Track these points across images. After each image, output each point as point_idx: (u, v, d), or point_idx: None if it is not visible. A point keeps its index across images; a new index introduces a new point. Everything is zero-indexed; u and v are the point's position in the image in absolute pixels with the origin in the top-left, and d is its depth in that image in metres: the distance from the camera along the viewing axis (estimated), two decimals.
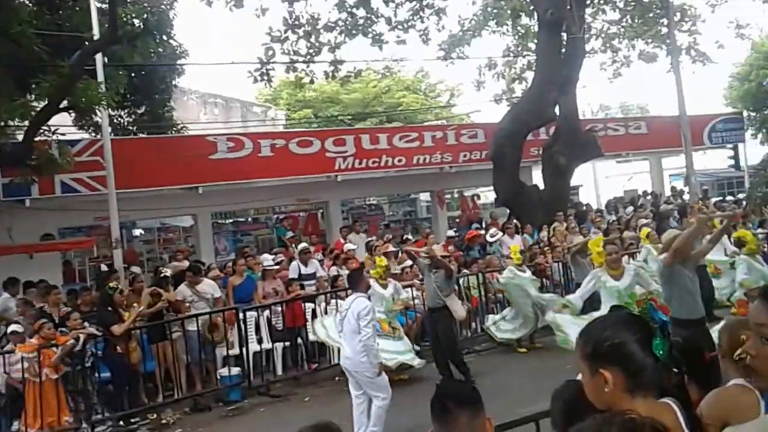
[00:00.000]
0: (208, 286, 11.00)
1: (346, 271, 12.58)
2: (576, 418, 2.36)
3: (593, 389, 2.05)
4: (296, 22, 17.71)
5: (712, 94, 65.71)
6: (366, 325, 7.32)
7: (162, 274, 11.40)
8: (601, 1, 21.74)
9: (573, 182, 19.04)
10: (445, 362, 9.79)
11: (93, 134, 14.78)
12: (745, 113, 27.03)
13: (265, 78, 18.11)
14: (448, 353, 9.80)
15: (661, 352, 1.97)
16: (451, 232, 17.29)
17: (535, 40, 18.88)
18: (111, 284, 10.39)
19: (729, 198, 25.54)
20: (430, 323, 10.19)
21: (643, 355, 1.98)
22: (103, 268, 12.99)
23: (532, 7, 18.68)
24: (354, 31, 18.39)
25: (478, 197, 21.24)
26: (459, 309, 9.92)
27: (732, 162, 24.60)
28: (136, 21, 15.76)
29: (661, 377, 2.01)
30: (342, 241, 15.40)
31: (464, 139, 18.95)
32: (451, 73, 53.38)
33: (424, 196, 21.71)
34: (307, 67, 18.76)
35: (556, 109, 17.18)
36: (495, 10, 21.17)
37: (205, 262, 13.43)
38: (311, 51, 18.22)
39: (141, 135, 18.03)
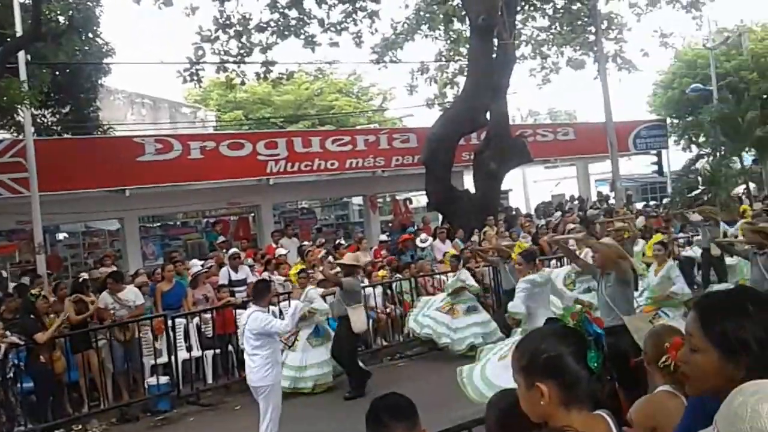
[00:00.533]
0: (130, 293, 10.68)
1: (279, 277, 12.50)
2: (510, 428, 2.36)
3: (529, 402, 2.04)
4: (227, 22, 17.50)
5: (637, 101, 67.80)
6: (269, 329, 7.35)
7: (81, 279, 11.06)
8: (531, 8, 22.15)
9: (503, 187, 19.31)
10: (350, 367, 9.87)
11: (15, 134, 14.29)
12: (668, 120, 27.88)
13: (195, 78, 17.84)
14: (345, 363, 9.84)
15: (595, 365, 1.98)
16: (384, 237, 17.31)
17: (467, 46, 19.09)
18: (33, 291, 10.05)
19: (652, 203, 26.40)
20: (335, 330, 10.12)
21: (578, 367, 1.98)
22: (24, 280, 12.44)
23: (464, 13, 18.86)
24: (286, 32, 18.25)
25: (410, 201, 21.35)
26: (357, 321, 9.77)
27: (655, 168, 25.37)
28: (60, 18, 15.32)
29: (595, 389, 2.01)
30: (273, 245, 15.25)
31: (397, 143, 19.01)
32: (384, 76, 53.64)
33: (357, 200, 21.71)
34: (238, 67, 18.56)
35: (488, 115, 17.40)
36: (427, 15, 21.32)
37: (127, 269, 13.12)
38: (242, 51, 18.03)
39: (65, 135, 17.50)
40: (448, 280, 12.26)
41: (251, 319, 7.35)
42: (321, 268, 10.78)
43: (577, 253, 10.18)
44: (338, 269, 10.45)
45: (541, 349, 2.03)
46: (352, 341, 9.94)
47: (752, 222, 11.34)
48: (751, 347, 1.78)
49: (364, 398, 9.24)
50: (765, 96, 26.67)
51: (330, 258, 12.51)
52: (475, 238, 15.32)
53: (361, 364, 10.20)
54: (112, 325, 10.13)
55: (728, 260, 12.31)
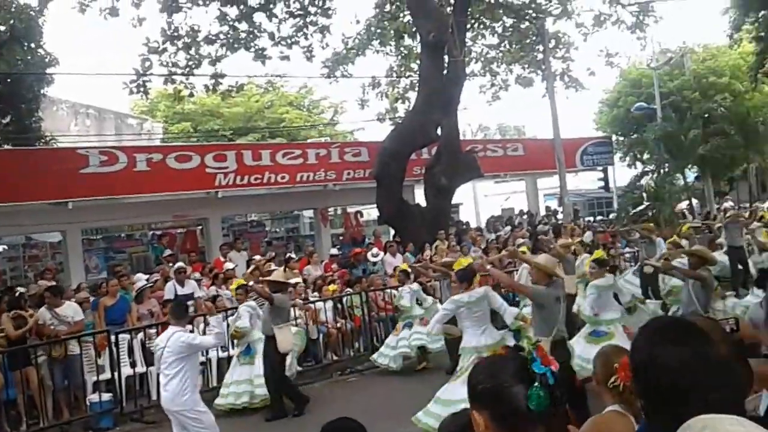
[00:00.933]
0: (69, 309, 10.31)
1: (226, 291, 12.28)
2: None
3: (474, 428, 2.05)
4: (175, 34, 17.28)
5: (584, 118, 69.20)
6: (197, 345, 7.24)
7: (17, 293, 10.68)
8: (481, 26, 22.40)
9: (454, 201, 19.40)
10: (278, 390, 9.49)
11: None
12: (614, 137, 28.38)
13: (142, 90, 17.55)
14: (273, 383, 9.41)
15: (534, 404, 1.93)
16: (334, 251, 17.19)
17: (418, 62, 19.18)
18: None
19: (599, 218, 26.84)
20: (265, 347, 9.65)
21: (517, 401, 1.95)
22: None
23: (414, 30, 18.97)
24: (236, 45, 18.11)
25: (361, 215, 21.27)
26: (284, 341, 9.43)
27: (602, 183, 25.80)
28: (1, 28, 14.92)
29: (541, 421, 1.97)
30: (222, 259, 15.01)
31: (348, 157, 18.93)
32: (335, 90, 53.71)
33: (308, 213, 21.55)
34: (187, 79, 18.31)
35: (438, 130, 17.48)
36: (378, 31, 21.38)
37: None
38: (191, 63, 17.83)
39: (6, 146, 16.99)
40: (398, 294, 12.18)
41: (173, 339, 7.06)
42: (251, 283, 10.44)
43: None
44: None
45: (480, 379, 2.04)
46: (279, 363, 9.51)
47: (676, 243, 11.66)
48: (638, 373, 1.92)
49: (288, 419, 9.27)
50: (706, 115, 27.37)
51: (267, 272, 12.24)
52: (427, 252, 15.31)
53: (296, 387, 9.95)
54: (52, 341, 9.78)
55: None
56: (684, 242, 13.66)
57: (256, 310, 10.38)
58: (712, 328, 2.26)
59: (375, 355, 11.62)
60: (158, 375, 10.18)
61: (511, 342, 8.44)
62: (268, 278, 10.02)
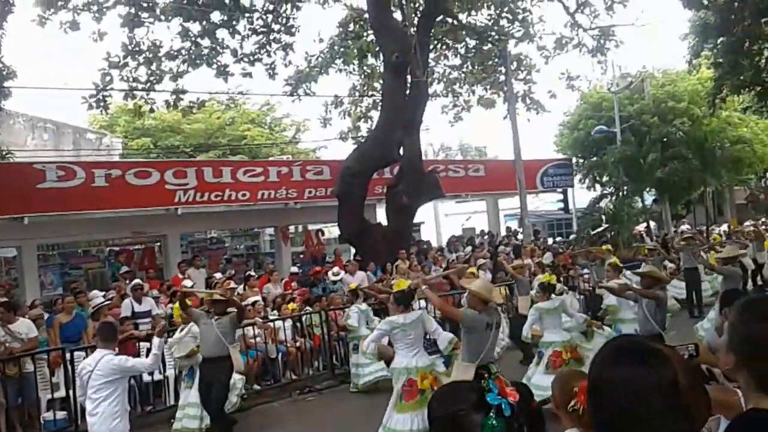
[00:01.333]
0: (22, 326, 10.08)
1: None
2: None
3: None
4: (136, 49, 17.11)
5: (545, 140, 70.06)
6: (130, 368, 6.93)
7: None
8: (444, 47, 22.60)
9: (415, 220, 19.46)
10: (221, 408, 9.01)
11: None
12: (574, 160, 28.75)
13: (102, 105, 17.32)
14: (217, 405, 8.87)
15: None
16: (294, 269, 17.09)
17: (381, 81, 19.27)
18: None
19: (559, 239, 27.10)
20: (207, 373, 8.97)
21: (473, 428, 1.98)
22: None
23: (378, 49, 19.08)
24: (198, 61, 18.00)
25: (323, 233, 21.21)
26: (238, 359, 9.22)
27: (562, 205, 26.11)
28: None
29: None
30: (180, 276, 14.82)
31: (310, 175, 18.90)
32: (298, 108, 53.60)
33: (268, 230, 21.43)
34: (147, 94, 18.13)
35: (401, 150, 17.56)
36: (342, 49, 21.42)
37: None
38: (152, 78, 17.67)
39: None
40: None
41: (102, 362, 6.69)
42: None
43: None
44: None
45: (437, 406, 2.09)
46: (229, 385, 9.10)
47: (616, 265, 11.74)
48: (591, 393, 1.92)
49: None
50: (665, 139, 27.87)
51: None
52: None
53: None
54: (5, 359, 9.53)
55: None
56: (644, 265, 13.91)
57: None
58: (673, 355, 2.18)
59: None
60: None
61: (441, 368, 8.48)
62: (212, 297, 9.59)
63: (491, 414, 1.98)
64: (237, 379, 9.62)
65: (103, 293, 12.58)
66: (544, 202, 31.05)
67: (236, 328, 9.42)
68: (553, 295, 9.74)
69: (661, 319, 8.72)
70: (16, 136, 23.10)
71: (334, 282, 14.96)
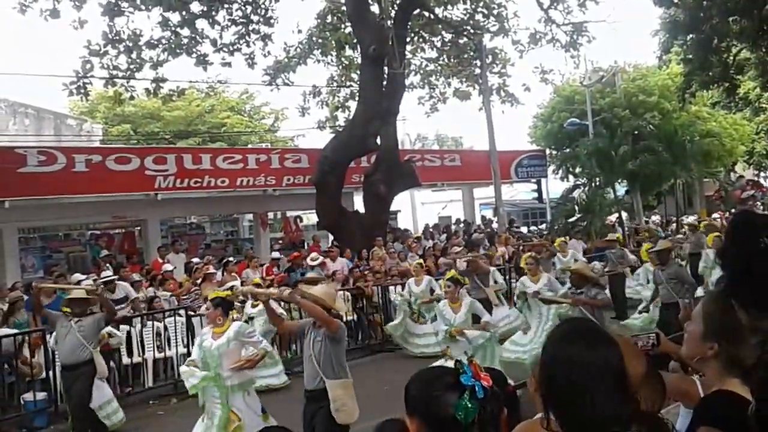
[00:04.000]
0: None
1: (164, 293, 12.43)
2: None
3: None
4: (116, 37, 17.20)
5: (519, 132, 70.53)
6: None
7: None
8: (421, 40, 22.88)
9: (392, 208, 19.80)
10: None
11: None
12: (547, 151, 29.19)
13: (82, 92, 17.42)
14: (81, 411, 8.19)
15: (461, 414, 2.04)
16: (276, 254, 17.35)
17: (359, 72, 19.56)
18: None
19: (533, 228, 27.53)
20: (67, 382, 8.40)
21: (447, 409, 2.06)
22: None
23: (355, 41, 19.34)
24: (178, 50, 18.09)
25: (301, 219, 21.51)
26: (102, 363, 8.62)
27: (536, 195, 26.53)
28: None
29: (470, 431, 2.07)
30: (160, 260, 15.09)
31: (288, 163, 19.20)
32: (277, 96, 53.56)
33: (248, 216, 21.68)
34: (128, 82, 18.27)
35: (377, 140, 17.89)
36: (320, 41, 21.64)
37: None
38: (132, 67, 17.74)
39: None
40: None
41: None
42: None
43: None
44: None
45: (413, 387, 2.18)
46: (91, 391, 8.20)
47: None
48: (542, 370, 2.12)
49: None
50: (636, 132, 28.29)
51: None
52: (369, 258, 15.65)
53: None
54: None
55: None
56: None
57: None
58: (623, 342, 2.35)
59: None
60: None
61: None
62: (71, 296, 8.71)
63: (465, 395, 2.04)
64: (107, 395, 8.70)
65: (84, 277, 12.78)
66: (519, 192, 31.45)
67: (101, 329, 8.67)
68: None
69: (600, 320, 8.29)
70: None
71: (313, 267, 15.28)
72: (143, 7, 16.98)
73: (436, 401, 2.08)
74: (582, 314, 8.57)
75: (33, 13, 16.07)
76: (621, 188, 30.61)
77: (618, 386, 1.98)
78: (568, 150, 29.69)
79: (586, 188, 25.21)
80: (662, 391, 2.49)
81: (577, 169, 29.65)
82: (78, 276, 12.86)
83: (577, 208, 23.76)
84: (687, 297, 9.49)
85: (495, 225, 22.42)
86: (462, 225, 22.98)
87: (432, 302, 11.89)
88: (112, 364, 10.99)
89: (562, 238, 16.45)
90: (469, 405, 2.03)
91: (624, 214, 27.43)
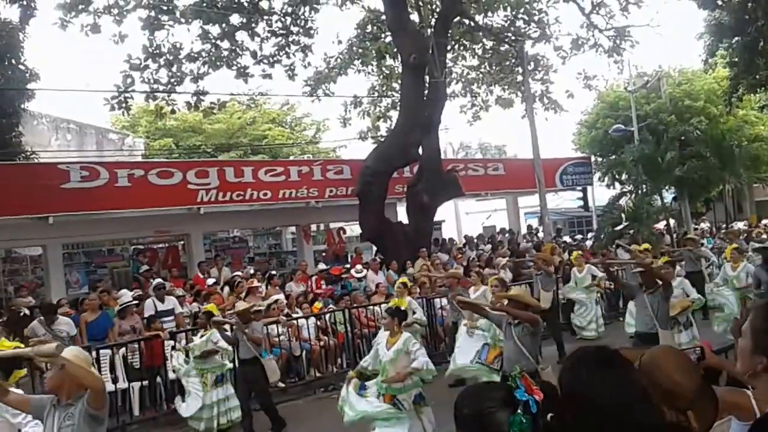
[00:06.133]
0: (63, 324, 10.36)
1: (255, 302, 12.29)
2: None
3: None
4: (157, 51, 17.25)
5: (563, 138, 69.83)
6: None
7: (22, 313, 10.67)
8: (462, 48, 22.66)
9: (436, 218, 19.54)
10: None
11: None
12: (592, 158, 28.74)
13: (123, 106, 17.50)
14: None
15: (515, 430, 2.01)
16: (322, 266, 17.16)
17: (400, 81, 19.37)
18: None
19: (579, 236, 27.07)
20: None
21: (501, 425, 2.03)
22: None
23: (396, 50, 19.17)
24: (218, 63, 18.10)
25: (344, 231, 21.34)
26: None
27: (581, 203, 26.06)
28: None
29: None
30: (201, 276, 14.99)
31: (330, 174, 19.02)
32: (318, 107, 53.72)
33: (290, 229, 21.58)
34: (168, 96, 18.30)
35: (420, 149, 17.67)
36: (360, 51, 21.54)
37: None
38: (173, 80, 17.78)
39: None
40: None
41: None
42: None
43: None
44: None
45: (464, 404, 2.13)
46: None
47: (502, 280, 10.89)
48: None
49: None
50: (683, 138, 27.80)
51: None
52: (411, 270, 15.38)
53: None
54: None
55: None
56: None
57: None
58: (674, 355, 2.52)
59: None
60: (140, 390, 10.09)
61: None
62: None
63: (519, 411, 2.01)
64: None
65: (132, 292, 12.73)
66: (565, 200, 31.01)
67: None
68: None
69: (533, 350, 7.24)
70: (40, 136, 23.38)
71: (359, 279, 15.09)
72: (183, 21, 17.02)
73: (489, 418, 2.03)
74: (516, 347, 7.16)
75: (74, 28, 16.16)
76: (668, 195, 30.07)
77: (645, 399, 2.09)
78: (613, 157, 29.29)
79: (633, 195, 24.75)
80: (714, 405, 2.46)
81: (623, 176, 29.26)
82: (125, 291, 12.79)
83: (623, 216, 23.31)
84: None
85: (540, 234, 22.00)
86: (507, 234, 22.59)
87: (413, 325, 11.10)
88: (158, 379, 10.93)
89: (579, 252, 15.90)
90: (524, 420, 2.01)
91: (672, 222, 26.87)
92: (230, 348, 9.76)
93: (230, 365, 9.94)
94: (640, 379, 2.14)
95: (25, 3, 14.84)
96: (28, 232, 15.11)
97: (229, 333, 9.77)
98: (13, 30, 17.01)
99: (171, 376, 10.83)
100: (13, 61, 17.19)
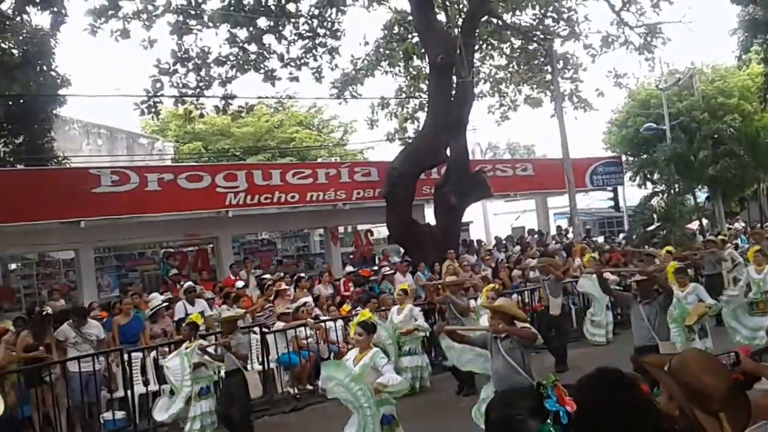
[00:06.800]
0: (93, 328, 10.45)
1: (238, 310, 12.30)
2: None
3: None
4: (185, 55, 17.39)
5: (593, 137, 69.21)
6: None
7: (44, 312, 10.78)
8: (489, 47, 22.53)
9: (464, 219, 19.43)
10: None
11: None
12: (623, 157, 28.38)
13: (153, 111, 17.66)
14: None
15: None
16: (350, 268, 17.13)
17: (427, 82, 19.30)
18: None
19: (610, 237, 26.77)
20: None
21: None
22: None
23: (423, 51, 19.12)
24: (246, 66, 18.21)
25: (372, 233, 21.32)
26: None
27: (612, 203, 25.79)
28: (15, 51, 15.10)
29: None
30: (232, 278, 15.05)
31: (358, 176, 19.02)
32: (345, 109, 53.88)
33: (318, 231, 21.61)
34: (197, 100, 18.44)
35: (447, 151, 17.59)
36: (387, 52, 21.50)
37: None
38: (201, 84, 17.92)
39: (19, 166, 17.15)
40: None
41: None
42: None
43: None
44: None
45: (491, 412, 2.18)
46: None
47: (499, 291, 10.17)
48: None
49: None
50: (716, 136, 27.36)
51: None
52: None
53: None
54: (68, 359, 9.86)
55: None
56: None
57: None
58: (703, 359, 2.55)
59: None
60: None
61: None
62: None
63: (548, 421, 2.04)
64: None
65: (163, 297, 12.82)
66: (595, 200, 30.67)
67: None
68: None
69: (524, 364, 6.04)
70: (71, 141, 23.70)
71: (384, 276, 15.05)
72: (211, 25, 17.13)
73: (518, 426, 2.00)
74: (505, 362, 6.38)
75: (103, 34, 16.33)
76: (702, 195, 29.67)
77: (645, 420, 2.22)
78: (645, 156, 28.90)
79: (665, 195, 24.49)
80: (747, 408, 2.44)
81: (655, 176, 28.89)
82: (156, 295, 12.90)
83: (655, 216, 23.04)
84: None
85: (570, 235, 21.79)
86: (536, 236, 22.41)
87: (414, 332, 11.18)
88: None
89: (593, 254, 15.31)
90: (552, 431, 1.91)
91: (705, 222, 26.50)
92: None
93: (216, 377, 9.44)
94: (654, 407, 2.27)
95: (55, 9, 15.01)
96: (61, 236, 15.29)
97: (212, 351, 9.18)
98: (44, 36, 17.23)
99: None
100: (45, 68, 17.41)
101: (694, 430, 2.32)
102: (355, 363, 6.95)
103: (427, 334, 11.72)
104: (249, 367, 10.64)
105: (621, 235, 25.41)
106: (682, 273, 10.72)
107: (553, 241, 21.16)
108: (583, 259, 14.80)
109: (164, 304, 11.87)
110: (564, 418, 2.03)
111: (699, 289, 10.62)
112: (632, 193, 29.17)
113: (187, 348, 9.10)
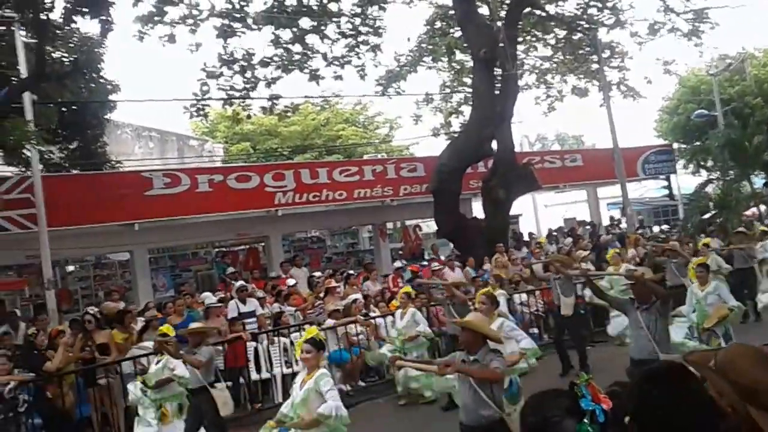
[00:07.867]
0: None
1: (289, 308, 12.46)
2: None
3: None
4: (231, 58, 17.60)
5: (644, 126, 67.95)
6: None
7: (84, 313, 11.07)
8: (533, 39, 22.32)
9: (513, 212, 19.30)
10: None
11: (23, 170, 14.41)
12: (675, 145, 27.85)
13: (201, 114, 17.95)
14: None
15: None
16: (398, 263, 17.18)
17: (471, 76, 19.21)
18: (29, 331, 10.40)
19: (665, 226, 26.29)
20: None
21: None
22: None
23: (466, 45, 19.03)
24: (290, 67, 18.34)
25: (420, 228, 21.34)
26: None
27: (666, 192, 25.34)
28: (65, 59, 15.44)
29: None
30: (283, 276, 15.22)
31: (404, 172, 19.06)
32: (390, 105, 53.85)
33: (367, 228, 21.72)
34: (244, 101, 18.66)
35: (493, 144, 17.48)
36: (430, 47, 21.47)
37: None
38: (247, 86, 18.11)
39: (74, 171, 17.59)
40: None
41: None
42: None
43: None
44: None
45: (529, 412, 2.11)
46: None
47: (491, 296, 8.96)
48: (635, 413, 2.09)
49: None
50: None
51: None
52: (486, 266, 15.26)
53: None
54: (125, 359, 10.08)
55: None
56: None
57: None
58: (747, 351, 2.39)
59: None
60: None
61: None
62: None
63: (585, 420, 1.97)
64: None
65: (217, 297, 13.01)
66: (649, 189, 30.12)
67: None
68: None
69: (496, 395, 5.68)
70: (123, 145, 24.20)
71: (433, 271, 15.02)
72: (255, 27, 17.30)
73: (555, 427, 1.99)
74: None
75: (151, 39, 16.63)
76: (758, 180, 28.89)
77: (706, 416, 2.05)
78: (697, 143, 28.29)
79: (720, 182, 23.88)
80: None
81: (709, 163, 28.20)
82: (208, 294, 13.08)
83: (711, 203, 22.51)
84: None
85: (623, 225, 21.46)
86: (588, 227, 22.12)
87: (417, 338, 10.85)
88: (241, 380, 11.17)
89: (615, 250, 14.31)
90: (590, 430, 1.97)
91: (763, 208, 25.80)
92: (187, 375, 8.33)
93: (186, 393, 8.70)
94: (708, 394, 2.11)
95: (104, 17, 15.34)
96: (116, 238, 15.66)
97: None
98: (93, 44, 17.61)
99: (254, 377, 11.08)
100: (95, 74, 17.79)
101: (747, 428, 2.19)
102: (302, 386, 6.05)
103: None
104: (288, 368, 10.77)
105: (664, 226, 24.89)
106: (702, 268, 9.77)
107: (606, 232, 20.88)
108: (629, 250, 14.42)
109: (217, 304, 12.05)
110: (600, 416, 1.96)
111: (721, 288, 9.61)
112: (686, 181, 28.53)
113: (158, 363, 8.67)
